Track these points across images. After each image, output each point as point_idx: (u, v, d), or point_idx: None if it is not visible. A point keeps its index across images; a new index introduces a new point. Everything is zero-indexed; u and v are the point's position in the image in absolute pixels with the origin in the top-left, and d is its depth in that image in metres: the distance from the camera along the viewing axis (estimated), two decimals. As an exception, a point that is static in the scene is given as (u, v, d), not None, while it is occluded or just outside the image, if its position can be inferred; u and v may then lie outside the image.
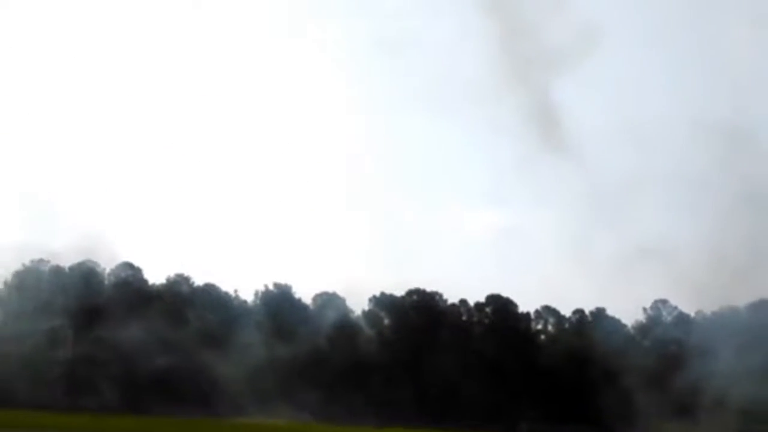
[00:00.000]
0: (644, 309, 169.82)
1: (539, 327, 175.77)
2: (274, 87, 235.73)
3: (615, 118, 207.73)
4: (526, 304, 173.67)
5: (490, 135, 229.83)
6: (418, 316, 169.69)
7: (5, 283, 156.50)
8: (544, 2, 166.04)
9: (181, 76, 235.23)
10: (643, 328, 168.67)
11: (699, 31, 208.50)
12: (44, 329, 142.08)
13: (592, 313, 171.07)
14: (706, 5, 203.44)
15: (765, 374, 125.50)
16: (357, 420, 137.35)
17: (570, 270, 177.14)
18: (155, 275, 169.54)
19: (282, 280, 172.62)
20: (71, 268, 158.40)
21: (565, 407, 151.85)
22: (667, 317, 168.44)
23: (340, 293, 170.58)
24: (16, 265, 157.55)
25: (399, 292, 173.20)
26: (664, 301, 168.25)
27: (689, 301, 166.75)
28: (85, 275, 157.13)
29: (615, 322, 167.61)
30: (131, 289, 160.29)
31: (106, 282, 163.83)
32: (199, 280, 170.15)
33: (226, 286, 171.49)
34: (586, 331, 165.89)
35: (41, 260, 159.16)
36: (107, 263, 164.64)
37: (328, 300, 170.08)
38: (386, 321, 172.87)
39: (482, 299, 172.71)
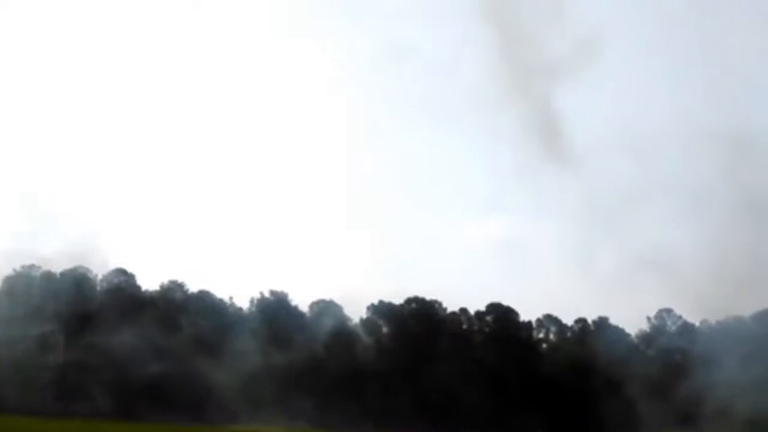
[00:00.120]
0: (648, 318, 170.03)
1: (541, 336, 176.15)
2: (273, 93, 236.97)
3: (616, 127, 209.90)
4: (528, 312, 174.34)
5: (490, 143, 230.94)
6: (417, 325, 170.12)
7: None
8: (544, 11, 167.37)
9: (179, 81, 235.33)
10: (647, 338, 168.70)
11: (699, 40, 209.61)
12: (35, 335, 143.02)
13: (594, 322, 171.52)
14: (706, 14, 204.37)
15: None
16: (354, 428, 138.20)
17: (572, 279, 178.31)
18: (149, 282, 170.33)
19: (278, 288, 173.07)
20: (63, 274, 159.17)
21: (567, 417, 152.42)
22: (671, 326, 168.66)
23: (338, 301, 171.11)
24: (6, 271, 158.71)
25: (398, 300, 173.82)
26: (668, 311, 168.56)
27: (694, 311, 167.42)
28: (77, 281, 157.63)
29: (618, 332, 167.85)
30: (124, 295, 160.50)
31: (99, 288, 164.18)
32: (193, 287, 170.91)
33: (221, 293, 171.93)
34: (588, 340, 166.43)
35: (32, 266, 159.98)
36: (99, 269, 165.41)
37: (325, 308, 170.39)
38: (384, 329, 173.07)
39: (483, 308, 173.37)
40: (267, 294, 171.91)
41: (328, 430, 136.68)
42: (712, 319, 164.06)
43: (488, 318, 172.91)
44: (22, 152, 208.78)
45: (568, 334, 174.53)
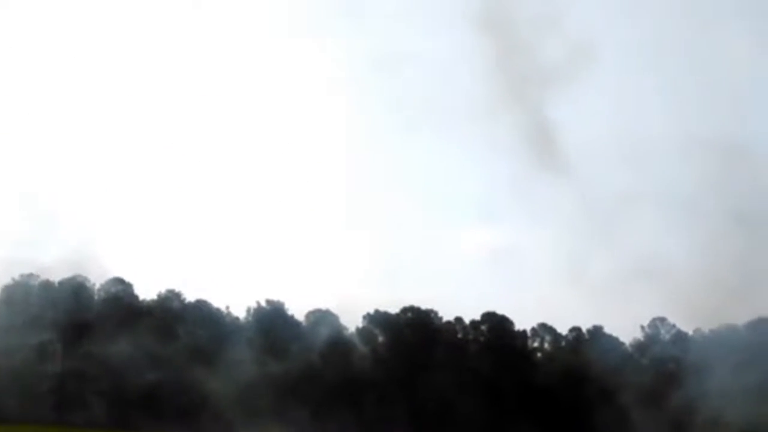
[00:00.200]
0: (642, 327, 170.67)
1: (535, 345, 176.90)
2: (269, 103, 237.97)
3: (610, 136, 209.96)
4: (522, 322, 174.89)
5: (486, 151, 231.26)
6: (412, 334, 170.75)
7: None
8: (539, 20, 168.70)
9: (178, 83, 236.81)
10: (641, 346, 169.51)
11: (693, 49, 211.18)
12: (33, 344, 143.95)
13: (589, 331, 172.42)
14: (700, 23, 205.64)
15: (761, 393, 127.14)
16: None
17: (566, 288, 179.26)
18: (146, 291, 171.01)
19: (275, 297, 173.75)
20: (61, 283, 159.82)
21: (561, 426, 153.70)
22: (665, 335, 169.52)
23: (334, 310, 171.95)
24: (5, 280, 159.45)
25: (393, 309, 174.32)
26: (662, 320, 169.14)
27: (687, 320, 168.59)
28: (75, 290, 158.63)
29: (612, 340, 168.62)
30: (121, 304, 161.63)
31: (96, 297, 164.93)
32: (190, 297, 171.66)
33: (218, 302, 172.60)
34: (582, 349, 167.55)
35: (31, 275, 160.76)
36: (97, 278, 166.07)
37: (322, 317, 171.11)
38: (380, 338, 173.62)
39: (478, 317, 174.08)
40: (263, 303, 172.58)
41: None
42: (706, 328, 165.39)
43: (483, 327, 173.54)
44: (21, 160, 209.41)
45: (563, 343, 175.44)
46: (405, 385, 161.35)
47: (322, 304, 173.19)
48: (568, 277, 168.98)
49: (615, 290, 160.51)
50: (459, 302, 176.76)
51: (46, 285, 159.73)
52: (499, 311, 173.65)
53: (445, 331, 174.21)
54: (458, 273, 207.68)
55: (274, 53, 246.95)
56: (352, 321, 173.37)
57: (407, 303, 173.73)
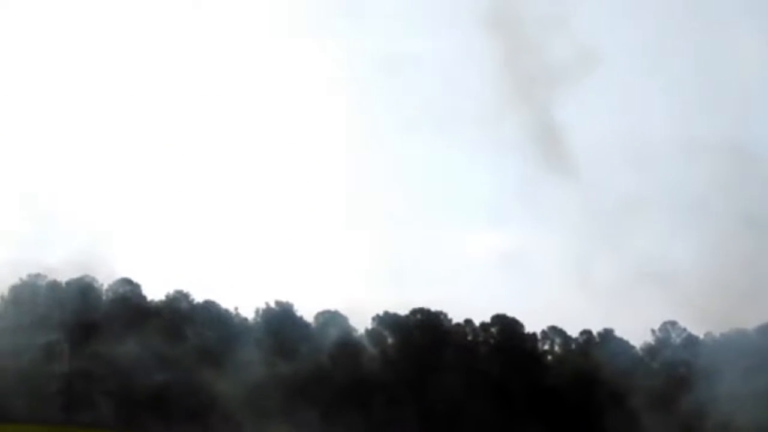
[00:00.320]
0: (653, 330, 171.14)
1: (546, 347, 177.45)
2: (274, 104, 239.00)
3: (617, 137, 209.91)
4: (533, 324, 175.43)
5: (492, 154, 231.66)
6: (422, 336, 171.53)
7: (2, 297, 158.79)
8: (545, 20, 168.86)
9: (179, 83, 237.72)
10: (651, 350, 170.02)
11: (700, 50, 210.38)
12: (41, 344, 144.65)
13: (599, 334, 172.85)
14: (706, 23, 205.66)
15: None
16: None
17: (576, 291, 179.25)
18: (154, 292, 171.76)
19: (284, 298, 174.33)
20: (68, 283, 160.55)
21: (571, 428, 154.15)
22: (675, 339, 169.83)
23: (343, 312, 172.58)
24: (12, 280, 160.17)
25: (403, 311, 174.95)
26: (673, 323, 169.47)
27: (698, 323, 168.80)
28: (83, 290, 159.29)
29: (623, 344, 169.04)
30: (129, 304, 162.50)
31: (104, 297, 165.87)
32: (199, 297, 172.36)
33: (227, 303, 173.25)
34: (592, 352, 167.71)
35: (38, 275, 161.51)
36: (105, 279, 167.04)
37: (331, 318, 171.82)
38: (390, 340, 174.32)
39: (488, 319, 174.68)
40: (272, 304, 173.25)
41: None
42: (717, 332, 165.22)
43: (493, 329, 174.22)
44: (28, 161, 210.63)
45: (573, 346, 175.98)
46: (414, 387, 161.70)
47: (332, 306, 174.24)
48: (577, 280, 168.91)
49: (625, 293, 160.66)
50: (469, 304, 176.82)
51: (54, 285, 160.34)
52: (510, 314, 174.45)
53: (455, 333, 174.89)
54: (468, 275, 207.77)
55: (275, 53, 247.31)
56: (361, 322, 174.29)
57: (417, 305, 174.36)
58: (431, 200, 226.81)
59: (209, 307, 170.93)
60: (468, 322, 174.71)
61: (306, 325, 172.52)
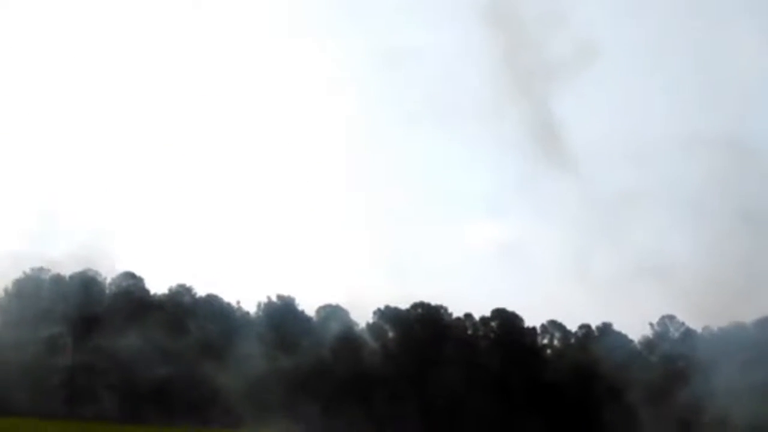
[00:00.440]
0: (651, 324, 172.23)
1: (545, 342, 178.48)
2: (276, 98, 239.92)
3: (615, 132, 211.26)
4: (532, 318, 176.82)
5: (491, 148, 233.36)
6: (423, 330, 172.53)
7: (5, 291, 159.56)
8: (545, 16, 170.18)
9: (183, 82, 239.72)
10: (649, 344, 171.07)
11: (699, 47, 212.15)
12: (44, 337, 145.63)
13: (598, 328, 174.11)
14: (705, 20, 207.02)
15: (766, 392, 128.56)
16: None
17: (575, 285, 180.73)
18: (157, 285, 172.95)
19: (285, 292, 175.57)
20: (71, 277, 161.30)
21: (569, 422, 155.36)
22: (674, 333, 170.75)
23: (344, 306, 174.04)
24: (16, 274, 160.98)
25: (404, 305, 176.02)
26: (671, 317, 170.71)
27: (696, 317, 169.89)
28: (86, 284, 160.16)
29: (621, 338, 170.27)
30: (132, 298, 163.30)
31: (107, 291, 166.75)
32: (201, 291, 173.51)
33: (229, 297, 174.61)
34: (591, 346, 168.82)
35: (41, 269, 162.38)
36: (108, 273, 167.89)
37: (332, 312, 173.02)
38: (391, 334, 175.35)
39: (488, 313, 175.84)
40: (274, 298, 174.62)
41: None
42: (715, 326, 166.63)
43: (493, 324, 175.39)
44: (31, 155, 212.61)
45: (572, 340, 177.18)
46: (415, 380, 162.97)
47: (333, 300, 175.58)
48: (576, 274, 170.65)
49: (623, 287, 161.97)
50: (469, 298, 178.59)
51: (57, 279, 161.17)
52: (509, 308, 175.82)
53: (455, 327, 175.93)
54: (467, 268, 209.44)
55: (276, 51, 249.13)
56: (362, 316, 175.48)
57: (417, 299, 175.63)
58: (431, 194, 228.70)
59: (211, 300, 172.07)
60: (468, 316, 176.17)
61: (307, 319, 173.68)
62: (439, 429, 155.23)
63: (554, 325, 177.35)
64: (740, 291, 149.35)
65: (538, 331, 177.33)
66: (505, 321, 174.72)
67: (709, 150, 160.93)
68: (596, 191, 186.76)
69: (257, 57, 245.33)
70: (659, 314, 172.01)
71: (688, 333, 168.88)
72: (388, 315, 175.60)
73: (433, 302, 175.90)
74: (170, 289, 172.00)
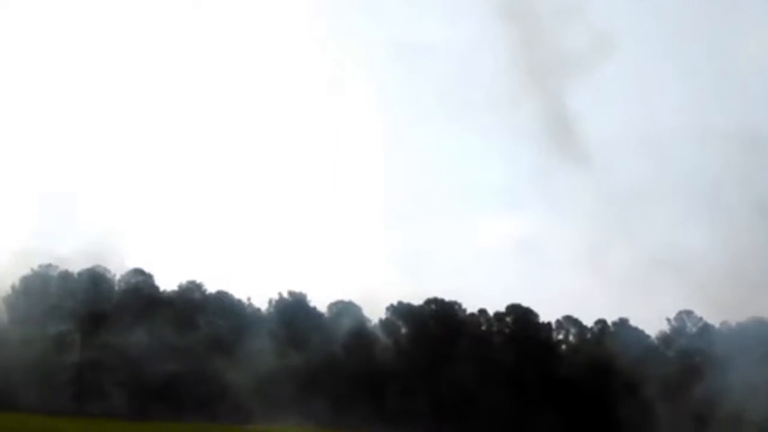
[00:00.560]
0: (668, 320, 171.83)
1: (560, 337, 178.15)
2: (288, 93, 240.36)
3: (631, 125, 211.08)
4: (547, 314, 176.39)
5: (506, 142, 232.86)
6: (436, 326, 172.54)
7: (13, 287, 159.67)
8: (561, 10, 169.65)
9: (191, 79, 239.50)
10: (666, 339, 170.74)
11: (714, 39, 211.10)
12: (52, 334, 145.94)
13: (614, 323, 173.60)
14: (721, 13, 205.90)
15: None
16: (370, 429, 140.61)
17: (591, 279, 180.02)
18: (167, 282, 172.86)
19: (297, 288, 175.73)
20: (80, 274, 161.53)
21: (585, 418, 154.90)
22: (691, 328, 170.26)
23: (357, 302, 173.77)
24: (24, 270, 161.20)
25: (417, 301, 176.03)
26: (688, 312, 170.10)
27: (713, 312, 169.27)
28: (95, 280, 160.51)
29: (638, 333, 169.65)
30: (141, 295, 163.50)
31: (116, 288, 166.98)
32: (211, 288, 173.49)
33: (240, 293, 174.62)
34: (607, 342, 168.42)
35: (50, 265, 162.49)
36: (117, 269, 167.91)
37: (344, 308, 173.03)
38: (403, 330, 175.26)
39: (502, 309, 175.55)
40: (285, 295, 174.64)
41: (343, 431, 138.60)
42: (733, 321, 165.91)
43: (508, 319, 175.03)
44: (39, 152, 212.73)
45: (588, 336, 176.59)
46: (428, 377, 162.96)
47: (345, 296, 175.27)
48: (591, 268, 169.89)
49: (640, 282, 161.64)
50: (483, 294, 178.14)
51: (65, 276, 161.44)
52: (524, 303, 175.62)
53: (469, 323, 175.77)
54: (482, 264, 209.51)
55: (292, 45, 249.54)
56: (375, 312, 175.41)
57: (431, 295, 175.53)
58: (445, 189, 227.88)
59: (222, 297, 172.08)
60: (482, 312, 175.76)
61: (319, 315, 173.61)
62: (452, 425, 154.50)
63: (569, 321, 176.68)
64: (758, 285, 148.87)
65: (553, 326, 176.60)
66: (520, 316, 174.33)
67: (725, 142, 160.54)
68: (611, 184, 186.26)
69: (267, 52, 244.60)
70: (676, 309, 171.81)
71: (706, 328, 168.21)
72: (401, 311, 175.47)
73: (447, 298, 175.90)
74: (180, 286, 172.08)
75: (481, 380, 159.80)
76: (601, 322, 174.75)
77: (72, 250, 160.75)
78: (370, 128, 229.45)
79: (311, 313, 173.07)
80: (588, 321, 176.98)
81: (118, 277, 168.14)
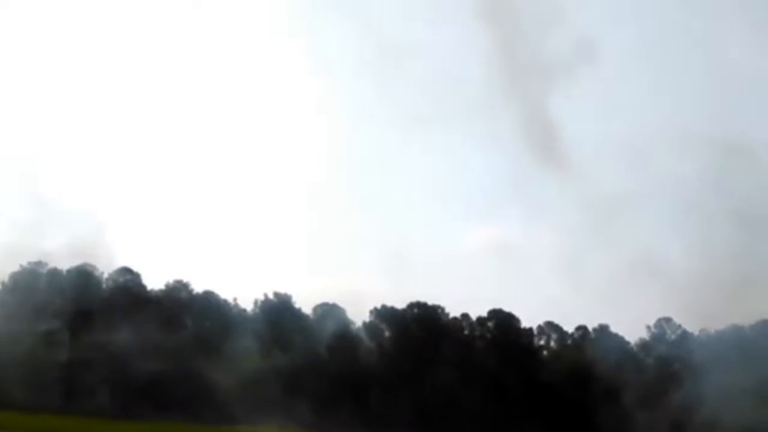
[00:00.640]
0: (648, 327, 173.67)
1: (542, 343, 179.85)
2: (271, 95, 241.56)
3: (611, 133, 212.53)
4: (529, 319, 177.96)
5: (488, 147, 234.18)
6: (419, 329, 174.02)
7: (2, 284, 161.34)
8: (541, 15, 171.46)
9: (182, 79, 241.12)
10: (646, 346, 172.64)
11: (696, 46, 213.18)
12: (40, 331, 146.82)
13: (595, 329, 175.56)
14: (702, 20, 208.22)
15: (761, 395, 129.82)
16: (349, 430, 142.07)
17: (572, 286, 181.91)
18: (154, 281, 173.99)
19: (282, 290, 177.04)
20: (68, 271, 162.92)
21: (565, 423, 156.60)
22: (670, 335, 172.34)
23: (341, 304, 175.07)
24: (13, 267, 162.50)
25: (400, 304, 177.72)
26: (668, 320, 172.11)
27: (692, 319, 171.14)
28: (83, 278, 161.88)
29: (618, 339, 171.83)
30: (129, 293, 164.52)
31: (104, 286, 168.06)
32: (198, 287, 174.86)
33: (226, 294, 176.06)
34: (588, 348, 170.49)
35: (39, 262, 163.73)
36: (105, 268, 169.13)
37: (329, 310, 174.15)
38: (387, 333, 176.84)
39: (485, 314, 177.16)
40: (271, 296, 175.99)
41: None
42: (711, 328, 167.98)
43: (490, 324, 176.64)
44: (30, 149, 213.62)
45: (569, 341, 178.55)
46: (410, 380, 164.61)
47: (330, 298, 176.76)
48: (572, 275, 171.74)
49: (620, 289, 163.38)
50: (465, 299, 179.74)
51: (54, 273, 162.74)
52: (506, 308, 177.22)
53: (452, 327, 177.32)
54: (464, 269, 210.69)
55: (271, 48, 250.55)
56: (359, 315, 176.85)
57: (414, 298, 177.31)
58: (428, 193, 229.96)
59: (208, 297, 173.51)
60: (465, 316, 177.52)
61: (304, 317, 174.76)
62: (434, 429, 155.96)
63: (551, 326, 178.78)
64: (736, 293, 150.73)
65: (535, 332, 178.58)
66: (502, 321, 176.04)
67: (705, 148, 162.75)
68: (592, 191, 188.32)
69: (254, 54, 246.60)
70: (656, 316, 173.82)
71: (685, 335, 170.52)
72: (385, 314, 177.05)
73: (430, 302, 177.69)
74: (167, 285, 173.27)
75: (463, 384, 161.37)
76: (581, 329, 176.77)
77: (61, 247, 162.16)
78: (354, 132, 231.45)
79: (296, 315, 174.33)
80: (569, 327, 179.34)
81: (106, 275, 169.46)
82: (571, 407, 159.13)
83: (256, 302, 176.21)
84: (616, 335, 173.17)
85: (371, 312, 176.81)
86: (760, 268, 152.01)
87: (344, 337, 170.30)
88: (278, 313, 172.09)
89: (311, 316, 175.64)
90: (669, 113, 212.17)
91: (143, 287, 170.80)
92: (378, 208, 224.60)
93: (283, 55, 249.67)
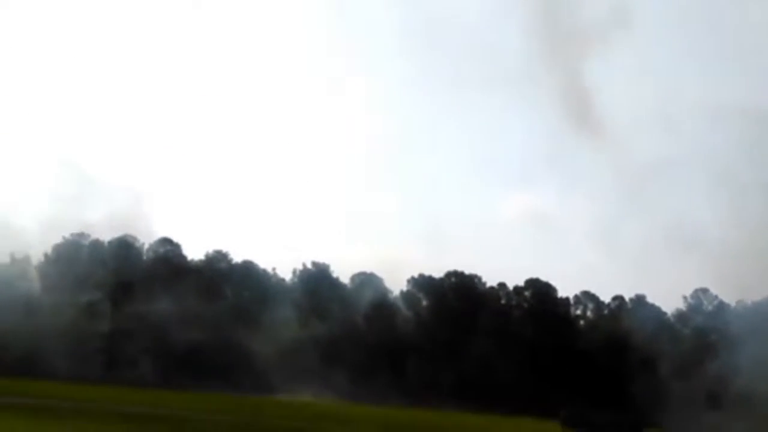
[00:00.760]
0: (684, 297, 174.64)
1: (578, 312, 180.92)
2: (310, 64, 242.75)
3: (647, 101, 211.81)
4: (566, 289, 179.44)
5: (524, 116, 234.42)
6: (456, 299, 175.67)
7: (45, 255, 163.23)
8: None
9: (219, 50, 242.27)
10: (682, 316, 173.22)
11: (732, 14, 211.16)
12: (82, 302, 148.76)
13: (631, 299, 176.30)
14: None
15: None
16: (385, 400, 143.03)
17: (608, 255, 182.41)
18: (194, 251, 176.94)
19: (320, 259, 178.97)
20: (110, 243, 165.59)
21: (601, 392, 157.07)
22: (707, 306, 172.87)
23: (378, 274, 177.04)
24: (55, 239, 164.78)
25: (438, 274, 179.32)
26: (704, 290, 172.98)
27: (730, 291, 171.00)
28: (124, 249, 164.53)
29: (655, 310, 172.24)
30: (169, 264, 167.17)
31: (145, 257, 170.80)
32: (237, 257, 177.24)
33: (265, 263, 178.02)
34: (624, 318, 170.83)
35: (81, 234, 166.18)
36: (146, 238, 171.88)
37: (366, 280, 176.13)
38: (424, 302, 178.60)
39: (521, 283, 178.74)
40: (309, 265, 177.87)
41: (363, 402, 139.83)
42: (748, 300, 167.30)
43: (527, 293, 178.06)
44: (71, 123, 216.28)
45: (605, 311, 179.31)
46: (447, 349, 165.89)
47: (367, 267, 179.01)
48: (608, 244, 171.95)
49: (656, 259, 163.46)
50: (503, 268, 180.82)
51: (96, 244, 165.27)
52: (543, 278, 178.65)
53: (489, 297, 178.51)
54: (501, 238, 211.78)
55: (312, 19, 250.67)
56: (396, 284, 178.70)
57: (451, 267, 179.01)
58: (466, 162, 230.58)
59: (247, 267, 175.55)
60: (502, 285, 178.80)
61: (342, 286, 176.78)
62: (471, 397, 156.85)
63: (587, 296, 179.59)
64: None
65: (572, 301, 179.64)
66: (539, 291, 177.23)
67: (741, 118, 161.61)
68: (626, 159, 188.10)
69: (294, 25, 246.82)
70: (693, 287, 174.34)
71: (722, 306, 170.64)
72: (422, 283, 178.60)
73: (467, 271, 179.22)
74: (206, 255, 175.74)
75: (500, 353, 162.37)
76: (618, 298, 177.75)
77: (103, 218, 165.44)
78: (392, 101, 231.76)
79: (334, 284, 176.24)
80: (605, 297, 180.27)
81: (146, 246, 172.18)
82: (607, 377, 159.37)
83: (294, 272, 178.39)
84: (652, 305, 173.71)
85: (408, 281, 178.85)
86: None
87: (381, 307, 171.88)
88: (316, 282, 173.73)
89: (349, 286, 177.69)
90: (705, 82, 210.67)
91: (183, 257, 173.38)
92: (416, 177, 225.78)
93: (323, 24, 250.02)
